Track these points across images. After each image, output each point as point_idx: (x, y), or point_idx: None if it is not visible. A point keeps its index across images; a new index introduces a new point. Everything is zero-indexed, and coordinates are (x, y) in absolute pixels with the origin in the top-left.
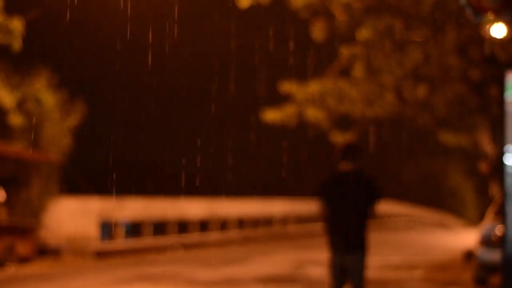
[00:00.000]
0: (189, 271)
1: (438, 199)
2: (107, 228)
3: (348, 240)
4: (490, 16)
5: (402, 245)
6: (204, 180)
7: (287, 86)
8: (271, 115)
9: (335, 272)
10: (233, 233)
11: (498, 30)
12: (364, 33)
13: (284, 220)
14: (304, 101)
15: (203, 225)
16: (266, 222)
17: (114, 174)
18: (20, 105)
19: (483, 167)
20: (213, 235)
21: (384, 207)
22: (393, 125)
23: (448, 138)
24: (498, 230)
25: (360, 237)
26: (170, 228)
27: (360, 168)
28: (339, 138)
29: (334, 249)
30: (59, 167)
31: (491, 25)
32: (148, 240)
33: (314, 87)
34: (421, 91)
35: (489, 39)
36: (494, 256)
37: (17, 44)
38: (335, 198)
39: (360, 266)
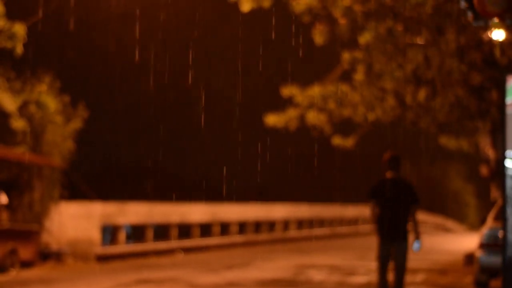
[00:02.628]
0: (191, 275)
1: (439, 203)
2: (109, 232)
3: (393, 233)
4: (495, 20)
5: None
6: (206, 184)
7: (289, 90)
8: (273, 120)
9: (382, 258)
10: (234, 237)
11: (498, 34)
12: (365, 37)
13: (286, 224)
14: (306, 104)
15: (205, 229)
16: (267, 226)
17: (116, 178)
18: (22, 109)
19: (484, 171)
20: (215, 239)
21: None
22: (395, 128)
23: (449, 142)
24: (499, 234)
25: (402, 230)
26: (172, 232)
27: (402, 176)
28: (340, 142)
29: (382, 240)
30: (61, 171)
31: (494, 29)
32: (150, 244)
33: (316, 90)
34: (422, 94)
35: (494, 42)
36: (494, 259)
37: (19, 49)
38: (383, 200)
39: (403, 253)
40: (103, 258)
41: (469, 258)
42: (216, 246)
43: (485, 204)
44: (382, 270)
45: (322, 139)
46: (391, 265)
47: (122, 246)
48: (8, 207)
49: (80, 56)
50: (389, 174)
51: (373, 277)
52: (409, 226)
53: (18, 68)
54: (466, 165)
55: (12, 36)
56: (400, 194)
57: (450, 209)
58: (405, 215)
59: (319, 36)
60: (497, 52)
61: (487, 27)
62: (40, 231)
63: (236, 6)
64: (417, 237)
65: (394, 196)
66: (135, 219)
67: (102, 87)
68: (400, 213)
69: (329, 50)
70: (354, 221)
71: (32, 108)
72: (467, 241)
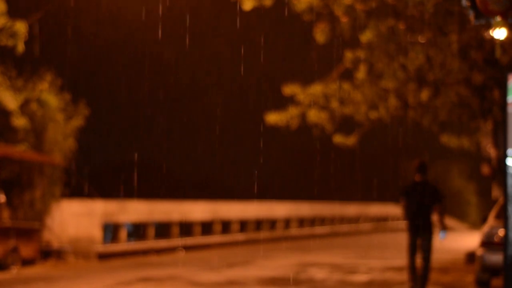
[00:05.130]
0: (192, 273)
1: None
2: (110, 230)
3: (420, 226)
4: (498, 19)
5: (404, 247)
6: (207, 182)
7: (291, 88)
8: (274, 118)
9: (411, 247)
10: (236, 236)
11: (500, 33)
12: (367, 35)
13: (287, 223)
14: (308, 103)
15: (206, 227)
16: (269, 224)
17: (117, 176)
18: (24, 107)
19: (485, 169)
20: (216, 238)
21: (387, 209)
22: (396, 127)
23: (450, 140)
24: (500, 232)
25: (428, 224)
26: (173, 231)
27: (428, 179)
28: (342, 140)
29: (412, 232)
30: (62, 169)
31: (496, 27)
32: (151, 242)
33: (317, 88)
34: (424, 94)
35: (496, 41)
36: (496, 258)
37: (20, 47)
38: (412, 199)
39: (428, 242)
40: (104, 256)
41: (471, 256)
42: (217, 244)
43: (487, 203)
44: (411, 257)
45: (324, 137)
46: (418, 253)
47: (123, 244)
48: (9, 205)
49: (82, 53)
50: (417, 178)
51: (374, 276)
52: (436, 220)
53: (20, 66)
54: (468, 164)
55: (13, 34)
56: (426, 194)
57: (451, 207)
58: (430, 212)
59: (320, 34)
60: (498, 51)
61: (488, 26)
62: (42, 229)
63: (238, 4)
64: (444, 228)
65: (421, 196)
66: (136, 217)
67: (104, 85)
68: (425, 210)
69: (331, 49)
70: (355, 220)
71: (34, 106)
72: (469, 240)
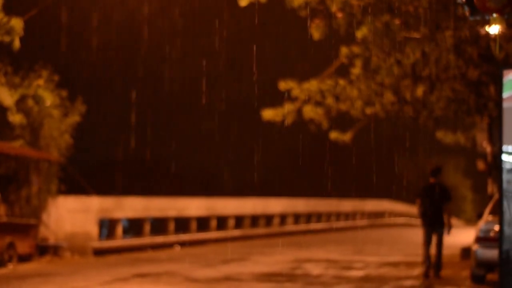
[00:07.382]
0: (188, 269)
1: None
2: (106, 226)
3: (433, 221)
4: (494, 15)
5: (400, 243)
6: (203, 179)
7: (286, 84)
8: (270, 114)
9: (427, 241)
10: (231, 231)
11: (495, 28)
12: (363, 31)
13: (283, 218)
14: (304, 98)
15: (202, 223)
16: (264, 220)
17: (113, 172)
18: (20, 104)
19: (481, 165)
20: (212, 233)
21: (383, 205)
22: (392, 123)
23: (446, 136)
24: (496, 228)
25: (439, 219)
26: (169, 226)
27: (440, 181)
28: (338, 136)
29: (426, 228)
30: (58, 165)
31: (493, 24)
32: (147, 238)
33: (313, 84)
34: (420, 90)
35: (492, 37)
36: (491, 254)
37: (16, 43)
38: (426, 199)
39: (441, 235)
40: (100, 252)
41: (466, 252)
42: (213, 240)
43: (482, 199)
44: (427, 248)
45: (319, 133)
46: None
47: (119, 240)
48: (5, 201)
49: (78, 49)
50: (431, 180)
51: (369, 271)
52: (444, 217)
53: (16, 62)
54: (463, 160)
55: (9, 31)
56: (438, 195)
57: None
58: (441, 209)
59: (316, 30)
60: (494, 47)
61: (484, 22)
62: (38, 225)
63: (233, 0)
64: (449, 226)
65: (434, 196)
66: (132, 214)
67: (100, 81)
68: (437, 208)
69: (327, 44)
70: (351, 215)
71: (30, 102)
72: (464, 235)
